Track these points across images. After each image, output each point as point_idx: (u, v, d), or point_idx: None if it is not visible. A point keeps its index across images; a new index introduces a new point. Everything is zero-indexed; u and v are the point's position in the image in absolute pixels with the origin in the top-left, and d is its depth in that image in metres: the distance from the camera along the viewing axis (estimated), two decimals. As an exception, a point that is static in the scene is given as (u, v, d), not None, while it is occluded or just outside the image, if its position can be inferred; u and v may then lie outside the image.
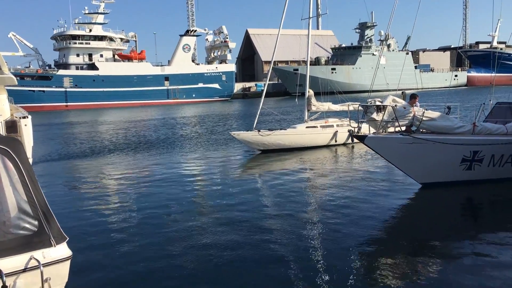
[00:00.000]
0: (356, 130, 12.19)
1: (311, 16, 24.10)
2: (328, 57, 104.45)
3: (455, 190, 12.08)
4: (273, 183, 14.50)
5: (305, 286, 6.71)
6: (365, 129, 12.85)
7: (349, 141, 21.82)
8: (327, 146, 21.66)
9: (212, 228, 9.60)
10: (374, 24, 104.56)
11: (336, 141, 21.82)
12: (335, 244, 8.34)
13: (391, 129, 12.17)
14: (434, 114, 12.02)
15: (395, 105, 11.59)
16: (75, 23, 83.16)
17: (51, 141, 29.07)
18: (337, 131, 21.78)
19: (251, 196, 12.58)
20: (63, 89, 78.40)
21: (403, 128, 11.94)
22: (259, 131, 21.14)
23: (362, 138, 11.65)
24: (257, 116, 22.10)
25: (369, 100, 12.40)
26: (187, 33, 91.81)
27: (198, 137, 28.24)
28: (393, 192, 12.24)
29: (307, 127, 22.14)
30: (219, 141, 25.73)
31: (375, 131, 11.99)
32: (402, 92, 13.89)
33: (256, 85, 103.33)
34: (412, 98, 12.71)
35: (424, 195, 12.03)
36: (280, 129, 22.72)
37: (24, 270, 3.96)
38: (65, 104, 78.56)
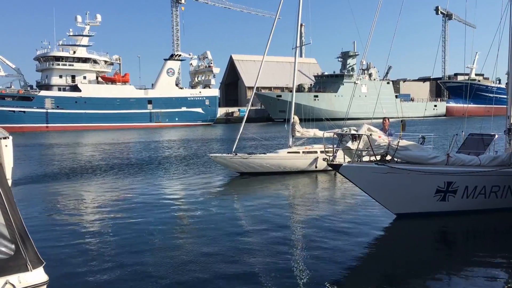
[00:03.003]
0: (331, 158, 12.18)
1: (298, 45, 24.82)
2: (311, 85, 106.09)
3: (429, 222, 12.10)
4: (241, 206, 14.84)
5: None
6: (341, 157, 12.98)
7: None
8: (307, 172, 21.82)
9: (191, 251, 9.65)
10: (356, 53, 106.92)
11: (316, 167, 21.99)
12: (309, 271, 8.33)
13: (366, 158, 12.22)
14: (409, 143, 12.23)
15: (370, 134, 11.72)
16: (59, 45, 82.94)
17: (30, 162, 28.68)
18: (317, 157, 21.94)
19: (220, 218, 12.87)
20: (44, 110, 77.57)
21: (378, 158, 12.01)
22: (236, 154, 21.53)
23: (337, 167, 11.68)
24: (237, 140, 22.48)
25: (345, 128, 12.60)
26: (172, 57, 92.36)
27: (179, 160, 28.33)
28: (367, 223, 12.18)
29: (288, 152, 22.48)
30: (200, 164, 26.02)
31: (350, 160, 12.03)
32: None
33: (239, 110, 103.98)
34: (383, 121, 13.00)
35: (397, 227, 12.01)
36: (261, 153, 23.13)
37: None
38: (45, 125, 77.62)
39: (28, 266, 4.13)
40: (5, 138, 15.51)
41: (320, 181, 20.16)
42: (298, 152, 22.38)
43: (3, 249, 4.12)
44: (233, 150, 21.86)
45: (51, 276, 4.38)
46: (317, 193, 17.55)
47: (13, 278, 4.02)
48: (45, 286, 4.21)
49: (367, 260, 9.63)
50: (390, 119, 14.21)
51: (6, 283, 3.98)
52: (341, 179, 19.15)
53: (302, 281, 8.04)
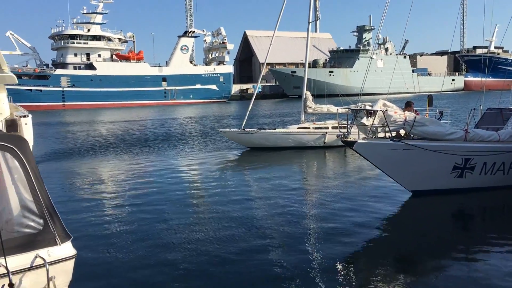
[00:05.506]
0: (345, 135, 11.91)
1: (311, 20, 24.54)
2: (326, 60, 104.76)
3: (445, 199, 11.96)
4: (252, 181, 15.15)
5: (290, 284, 6.89)
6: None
7: (340, 143, 21.47)
8: (316, 147, 21.85)
9: (207, 228, 9.86)
10: (372, 27, 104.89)
11: (325, 142, 21.96)
12: (322, 252, 8.32)
13: (381, 135, 12.03)
14: (426, 119, 11.96)
15: (386, 110, 11.44)
16: (73, 23, 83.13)
17: (49, 140, 29.19)
18: (326, 133, 21.94)
19: (233, 193, 13.15)
20: (60, 89, 78.27)
21: (394, 134, 11.81)
22: (244, 129, 22.06)
23: (351, 144, 11.45)
24: (246, 116, 23.05)
25: (359, 104, 12.38)
26: (185, 34, 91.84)
27: (194, 137, 28.83)
28: (382, 200, 12.04)
29: (298, 127, 22.58)
30: (214, 140, 26.73)
31: (364, 136, 11.80)
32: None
33: (253, 86, 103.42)
34: (407, 106, 12.52)
35: (413, 204, 11.92)
36: (271, 129, 23.58)
37: (30, 268, 4.05)
38: (62, 103, 78.41)
39: (56, 240, 4.26)
40: (25, 116, 15.79)
41: (329, 157, 20.18)
42: (309, 128, 22.41)
43: (32, 224, 4.24)
44: (243, 125, 22.39)
45: (77, 250, 4.51)
46: (328, 170, 17.60)
47: (42, 252, 4.15)
48: (73, 259, 4.34)
49: (382, 238, 9.60)
50: (407, 94, 13.91)
51: (36, 256, 4.11)
52: (352, 154, 19.11)
53: (316, 257, 8.12)
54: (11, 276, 3.85)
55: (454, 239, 9.26)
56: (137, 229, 9.86)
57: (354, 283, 7.15)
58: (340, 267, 7.63)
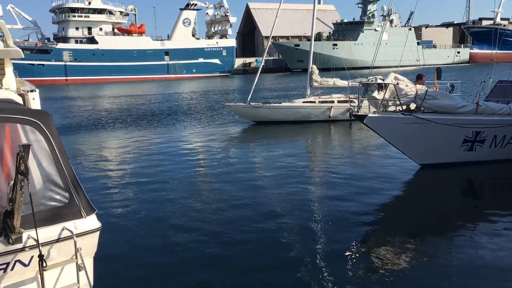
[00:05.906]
0: (355, 109, 11.86)
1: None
2: (329, 33, 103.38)
3: (454, 172, 12.00)
4: (258, 156, 15.37)
5: (301, 265, 6.89)
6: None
7: (345, 117, 21.50)
8: (321, 121, 21.84)
9: (215, 204, 9.98)
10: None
11: (330, 116, 21.93)
12: (334, 225, 8.38)
13: (392, 109, 11.98)
14: (437, 92, 11.93)
15: (397, 83, 11.39)
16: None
17: (55, 115, 29.13)
18: (331, 107, 21.86)
19: (239, 168, 13.28)
20: (62, 63, 77.76)
21: (404, 108, 11.72)
22: (249, 103, 22.03)
23: (361, 118, 11.39)
24: (252, 90, 22.93)
25: (370, 77, 12.29)
26: (187, 6, 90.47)
27: (199, 111, 28.86)
28: (390, 175, 12.02)
29: (304, 101, 22.51)
30: (218, 114, 26.79)
31: (375, 110, 11.75)
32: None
33: (256, 60, 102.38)
34: (418, 79, 12.45)
35: (423, 178, 11.95)
36: (276, 103, 23.59)
37: (58, 240, 4.13)
38: (65, 78, 78.05)
39: (82, 213, 4.32)
40: (32, 91, 15.67)
41: (335, 131, 20.20)
42: (314, 102, 22.34)
43: (58, 197, 4.30)
44: (248, 100, 22.28)
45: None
46: (334, 144, 17.60)
47: (69, 224, 4.22)
48: (98, 232, 4.41)
49: (392, 211, 9.63)
50: (409, 68, 13.82)
51: (63, 229, 4.18)
52: (359, 128, 19.08)
53: (323, 230, 8.16)
54: (40, 247, 3.92)
55: (464, 213, 9.26)
56: (146, 207, 9.79)
57: (364, 260, 7.19)
58: (348, 245, 7.59)
